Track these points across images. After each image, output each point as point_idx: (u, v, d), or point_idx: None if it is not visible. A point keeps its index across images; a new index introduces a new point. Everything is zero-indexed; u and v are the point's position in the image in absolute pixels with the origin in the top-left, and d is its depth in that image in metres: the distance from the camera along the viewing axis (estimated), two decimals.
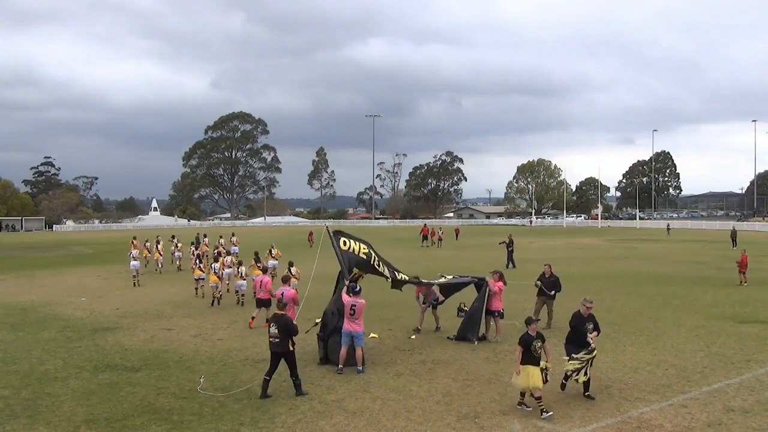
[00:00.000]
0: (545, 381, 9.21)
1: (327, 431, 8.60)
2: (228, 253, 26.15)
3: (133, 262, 26.02)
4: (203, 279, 21.09)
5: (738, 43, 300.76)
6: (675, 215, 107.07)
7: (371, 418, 9.03)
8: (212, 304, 19.47)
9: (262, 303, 15.84)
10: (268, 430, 8.65)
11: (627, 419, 8.93)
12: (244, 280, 19.64)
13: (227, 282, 21.44)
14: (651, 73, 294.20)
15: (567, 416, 9.02)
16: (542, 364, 9.21)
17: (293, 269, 18.82)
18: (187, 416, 9.17)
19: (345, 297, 11.69)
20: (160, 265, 30.52)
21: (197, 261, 22.65)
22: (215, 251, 27.23)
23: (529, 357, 9.09)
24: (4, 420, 9.06)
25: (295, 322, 10.49)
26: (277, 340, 9.98)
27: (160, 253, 30.73)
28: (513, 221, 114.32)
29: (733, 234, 45.43)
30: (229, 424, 8.81)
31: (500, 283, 14.30)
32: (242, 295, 19.72)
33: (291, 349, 10.05)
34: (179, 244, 33.72)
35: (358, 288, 11.77)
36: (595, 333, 9.92)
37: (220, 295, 19.87)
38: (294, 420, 8.98)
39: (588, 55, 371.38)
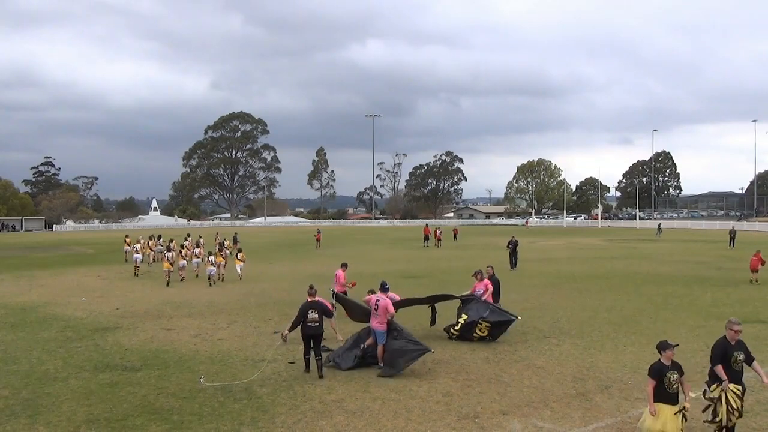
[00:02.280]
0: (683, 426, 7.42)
1: (327, 431, 8.61)
2: (197, 246, 32.33)
3: (135, 255, 30.58)
4: (180, 268, 26.20)
5: (735, 43, 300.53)
6: (675, 215, 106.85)
7: (371, 418, 9.03)
8: (167, 285, 24.11)
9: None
10: (268, 430, 8.65)
11: (627, 419, 8.92)
12: (214, 266, 25.03)
13: (195, 269, 27.57)
14: (649, 74, 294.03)
15: (567, 416, 9.01)
16: (681, 403, 7.42)
17: (240, 254, 26.90)
18: (187, 416, 9.17)
19: (372, 296, 12.03)
20: (151, 260, 33.99)
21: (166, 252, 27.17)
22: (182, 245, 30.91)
23: (662, 393, 7.32)
24: (4, 420, 9.06)
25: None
26: (317, 323, 11.20)
27: (151, 249, 35.09)
28: (513, 221, 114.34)
29: (732, 234, 45.44)
30: (229, 424, 8.82)
31: (481, 284, 14.26)
32: (212, 278, 24.80)
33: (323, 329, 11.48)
34: (172, 244, 34.75)
35: (387, 286, 12.27)
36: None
37: (181, 278, 25.81)
38: (294, 420, 8.98)
39: (586, 56, 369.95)
